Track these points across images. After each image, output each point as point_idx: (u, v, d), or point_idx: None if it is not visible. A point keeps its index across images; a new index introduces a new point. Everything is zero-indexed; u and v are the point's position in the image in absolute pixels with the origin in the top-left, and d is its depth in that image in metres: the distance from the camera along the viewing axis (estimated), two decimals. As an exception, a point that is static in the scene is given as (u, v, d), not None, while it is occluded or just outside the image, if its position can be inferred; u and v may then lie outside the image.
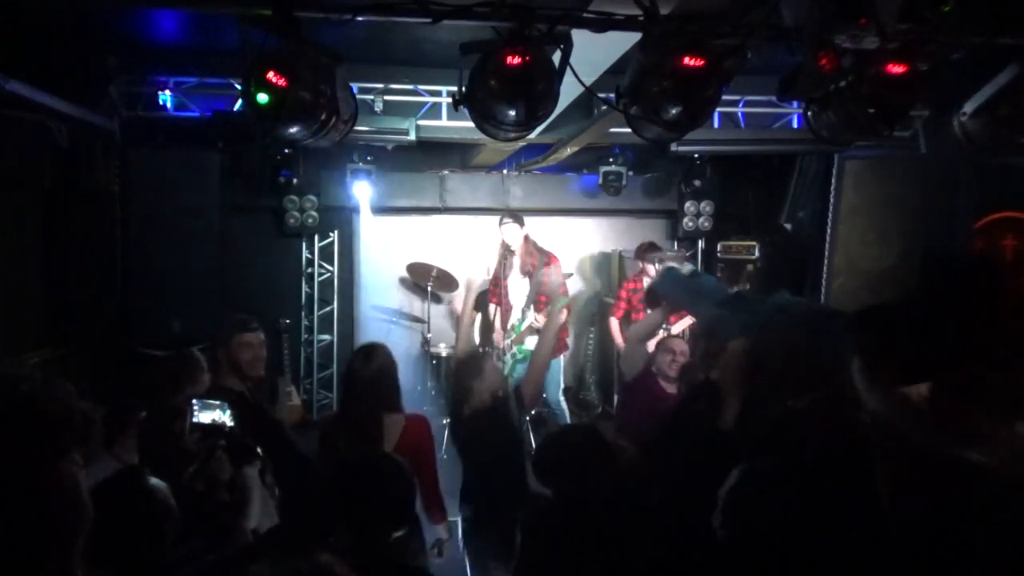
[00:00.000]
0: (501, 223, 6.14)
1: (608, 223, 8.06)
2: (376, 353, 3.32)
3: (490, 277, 6.51)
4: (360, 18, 3.04)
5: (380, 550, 2.32)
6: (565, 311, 6.06)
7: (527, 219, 6.34)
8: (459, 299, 7.07)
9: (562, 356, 6.41)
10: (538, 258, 6.18)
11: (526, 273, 6.18)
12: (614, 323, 6.46)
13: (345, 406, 3.41)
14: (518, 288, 6.23)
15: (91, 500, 2.02)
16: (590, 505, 2.44)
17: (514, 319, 6.22)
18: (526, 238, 6.18)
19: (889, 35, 2.97)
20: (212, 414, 2.70)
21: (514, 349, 6.19)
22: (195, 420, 2.68)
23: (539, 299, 6.14)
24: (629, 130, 3.54)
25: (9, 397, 1.54)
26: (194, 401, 2.73)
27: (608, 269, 7.84)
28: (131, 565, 2.04)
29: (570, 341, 7.66)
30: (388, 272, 7.73)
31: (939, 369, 1.86)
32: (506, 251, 6.12)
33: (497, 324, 6.36)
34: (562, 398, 6.48)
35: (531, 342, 6.12)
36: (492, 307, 6.40)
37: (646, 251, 6.34)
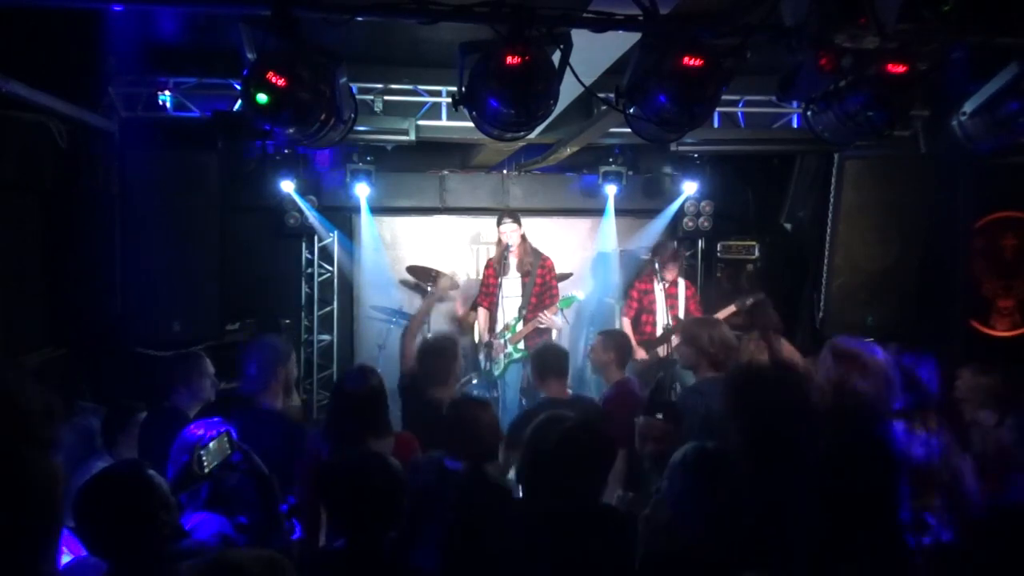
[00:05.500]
0: (499, 223, 6.14)
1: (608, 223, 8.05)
2: (369, 375, 3.29)
3: (475, 278, 6.47)
4: (360, 18, 3.04)
5: (375, 551, 2.31)
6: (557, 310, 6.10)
7: (525, 219, 6.34)
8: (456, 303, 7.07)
9: None
10: (534, 258, 6.19)
11: (524, 273, 6.18)
12: (626, 323, 6.46)
13: (334, 427, 3.24)
14: (514, 288, 6.22)
15: (87, 492, 2.02)
16: None
17: (510, 319, 6.21)
18: (523, 237, 6.18)
19: (889, 35, 2.97)
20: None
21: (508, 348, 6.16)
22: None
23: (543, 299, 6.15)
24: (629, 130, 3.55)
25: None
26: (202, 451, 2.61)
27: (608, 269, 7.83)
28: (130, 553, 2.04)
29: (569, 340, 7.67)
30: (388, 272, 7.73)
31: None
32: (504, 251, 6.11)
33: (482, 323, 6.31)
34: None
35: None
36: (482, 309, 6.37)
37: (661, 252, 6.31)
